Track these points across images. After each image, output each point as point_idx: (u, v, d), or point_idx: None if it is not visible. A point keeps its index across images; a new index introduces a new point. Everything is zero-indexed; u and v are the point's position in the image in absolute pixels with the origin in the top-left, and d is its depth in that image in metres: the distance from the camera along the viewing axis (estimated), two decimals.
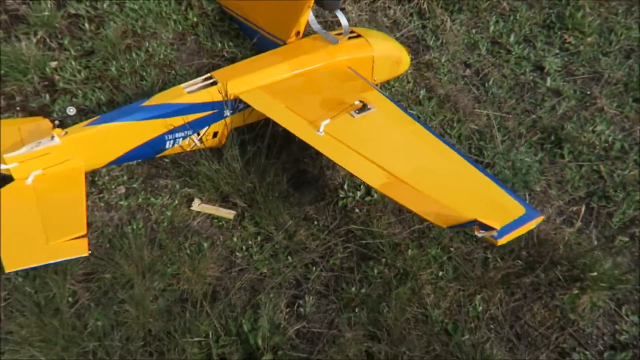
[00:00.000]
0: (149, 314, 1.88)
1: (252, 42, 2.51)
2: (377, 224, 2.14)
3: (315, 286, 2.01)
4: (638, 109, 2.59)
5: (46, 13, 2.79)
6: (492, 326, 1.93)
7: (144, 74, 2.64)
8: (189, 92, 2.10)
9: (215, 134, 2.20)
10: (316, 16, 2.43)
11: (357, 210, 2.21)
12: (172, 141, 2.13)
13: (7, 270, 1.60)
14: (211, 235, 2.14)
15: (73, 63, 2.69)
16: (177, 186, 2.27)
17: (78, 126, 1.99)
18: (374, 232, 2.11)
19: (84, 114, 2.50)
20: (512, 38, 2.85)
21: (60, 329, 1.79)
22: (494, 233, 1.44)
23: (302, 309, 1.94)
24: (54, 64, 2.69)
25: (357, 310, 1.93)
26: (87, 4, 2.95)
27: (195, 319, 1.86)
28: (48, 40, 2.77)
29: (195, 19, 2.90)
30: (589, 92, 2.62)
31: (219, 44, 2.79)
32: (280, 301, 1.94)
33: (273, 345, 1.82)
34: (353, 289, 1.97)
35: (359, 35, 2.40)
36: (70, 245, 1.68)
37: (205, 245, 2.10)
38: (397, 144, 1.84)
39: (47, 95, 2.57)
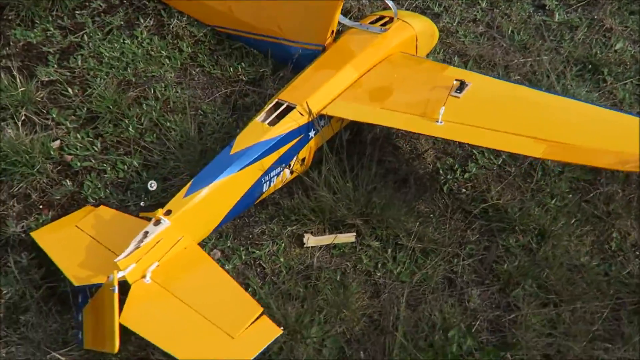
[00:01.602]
0: None
1: (292, 59, 2.32)
2: (489, 196, 2.15)
3: (469, 277, 1.97)
4: (637, 20, 2.83)
5: (20, 89, 2.38)
6: (637, 252, 2.03)
7: (168, 123, 2.38)
8: (271, 124, 1.93)
9: (303, 160, 2.06)
10: None
11: (463, 190, 2.20)
12: (268, 182, 1.96)
13: None
14: (338, 266, 2.01)
15: (78, 135, 2.35)
16: (275, 229, 2.09)
17: (177, 199, 1.75)
18: (492, 205, 2.11)
19: (124, 188, 2.20)
20: None
21: None
22: None
23: (471, 304, 1.90)
24: (56, 144, 2.33)
25: (520, 283, 1.93)
26: (56, 66, 2.57)
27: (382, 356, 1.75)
28: (35, 118, 2.38)
29: (190, 50, 2.65)
30: (595, 17, 2.81)
31: (231, 69, 2.58)
32: (445, 305, 1.88)
33: (469, 351, 1.77)
34: (505, 265, 1.97)
35: (391, 19, 2.34)
36: (256, 330, 1.49)
37: (339, 277, 1.96)
38: (519, 109, 1.86)
39: (69, 181, 2.22)
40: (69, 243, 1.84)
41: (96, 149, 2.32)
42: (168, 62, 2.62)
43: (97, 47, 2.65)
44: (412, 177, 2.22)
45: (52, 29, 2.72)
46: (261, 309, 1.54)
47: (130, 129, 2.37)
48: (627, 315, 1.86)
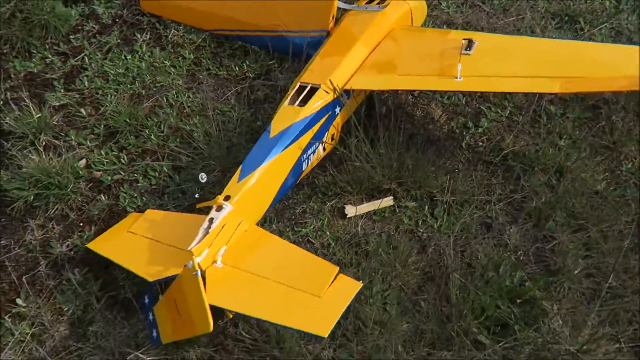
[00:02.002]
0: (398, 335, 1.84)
1: (304, 48, 2.42)
2: (505, 144, 2.32)
3: (504, 218, 2.12)
4: None
5: (36, 116, 2.40)
6: None
7: (189, 127, 2.45)
8: (300, 105, 2.03)
9: (332, 136, 2.17)
10: None
11: (480, 143, 2.36)
12: (306, 161, 2.06)
13: (325, 334, 1.46)
14: (382, 230, 2.13)
15: (102, 152, 2.40)
16: (315, 206, 2.20)
17: (232, 185, 1.84)
18: (510, 152, 2.28)
19: (160, 193, 2.26)
20: None
21: None
22: None
23: (512, 241, 2.05)
24: (82, 163, 2.37)
25: (551, 216, 2.09)
26: (63, 90, 2.60)
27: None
28: (56, 142, 2.41)
29: (192, 56, 2.73)
30: None
31: (236, 68, 2.67)
32: (488, 248, 2.03)
33: (520, 282, 1.92)
34: (533, 203, 2.13)
35: None
36: (339, 287, 1.59)
37: (385, 239, 2.08)
38: (528, 55, 2.03)
39: (104, 196, 2.26)
40: (128, 247, 1.90)
41: (123, 161, 2.37)
42: (174, 70, 2.69)
43: (100, 66, 2.69)
44: (439, 137, 2.36)
45: (50, 56, 2.75)
46: (337, 268, 1.64)
47: (152, 137, 2.43)
48: None
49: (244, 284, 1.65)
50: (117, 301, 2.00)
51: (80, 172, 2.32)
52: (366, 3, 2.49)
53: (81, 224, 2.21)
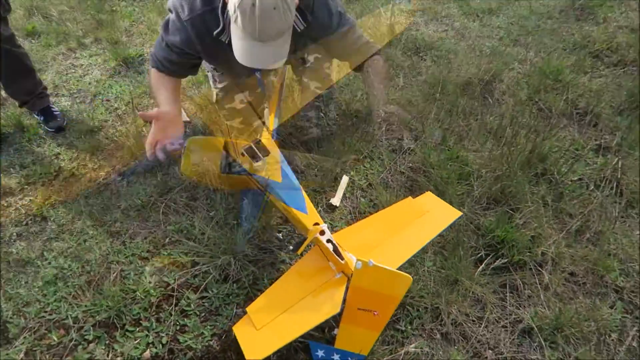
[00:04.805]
0: None
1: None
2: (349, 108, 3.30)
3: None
4: None
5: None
6: None
7: (168, 260, 2.47)
8: (264, 155, 2.47)
9: None
10: None
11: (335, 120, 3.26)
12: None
13: (460, 213, 2.10)
14: (360, 197, 2.80)
15: (122, 340, 2.23)
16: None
17: (304, 218, 2.15)
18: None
19: (214, 313, 2.33)
20: None
21: None
22: None
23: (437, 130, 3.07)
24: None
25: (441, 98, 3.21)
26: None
27: None
28: None
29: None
30: None
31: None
32: (432, 150, 3.00)
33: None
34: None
35: None
36: (424, 201, 2.25)
37: (369, 198, 2.78)
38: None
39: (179, 351, 2.16)
40: (277, 331, 1.90)
41: (152, 326, 2.24)
42: (87, 244, 2.53)
43: (17, 306, 2.28)
44: (319, 135, 3.11)
45: None
46: (410, 197, 2.30)
47: (150, 291, 2.35)
48: None
49: (393, 248, 2.09)
50: None
51: None
52: None
53: None
